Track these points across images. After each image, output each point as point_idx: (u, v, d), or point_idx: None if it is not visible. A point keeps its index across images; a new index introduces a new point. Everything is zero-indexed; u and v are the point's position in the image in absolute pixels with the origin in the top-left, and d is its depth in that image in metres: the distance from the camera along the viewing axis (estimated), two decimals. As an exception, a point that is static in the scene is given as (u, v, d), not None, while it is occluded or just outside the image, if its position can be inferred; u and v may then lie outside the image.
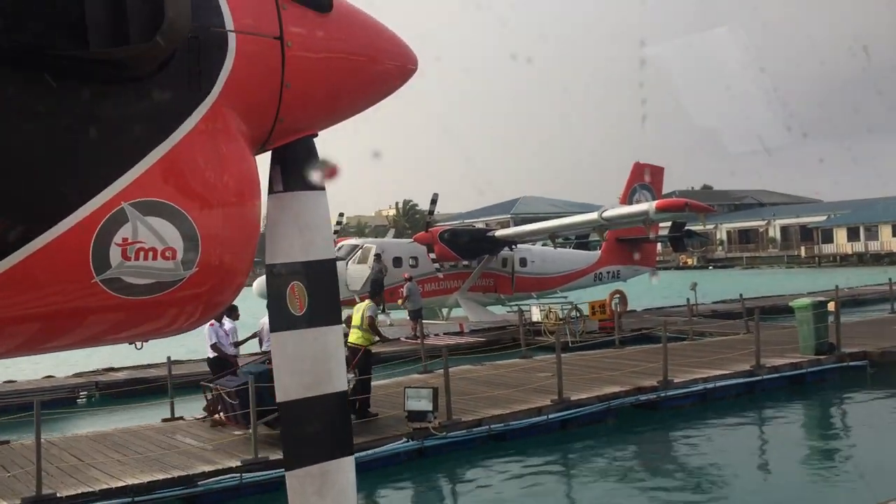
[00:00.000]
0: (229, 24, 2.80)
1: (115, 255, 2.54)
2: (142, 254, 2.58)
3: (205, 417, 16.07)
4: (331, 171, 3.37)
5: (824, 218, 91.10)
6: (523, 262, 32.70)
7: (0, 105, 2.35)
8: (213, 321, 15.85)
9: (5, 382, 22.52)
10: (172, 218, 2.64)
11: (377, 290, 28.90)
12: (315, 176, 3.28)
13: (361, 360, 15.01)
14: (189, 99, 2.71)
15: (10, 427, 16.13)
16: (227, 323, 16.39)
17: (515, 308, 30.88)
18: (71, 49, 2.38)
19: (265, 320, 15.62)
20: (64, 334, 2.73)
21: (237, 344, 16.39)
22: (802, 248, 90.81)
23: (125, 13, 2.43)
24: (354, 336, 15.17)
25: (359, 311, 15.52)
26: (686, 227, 35.14)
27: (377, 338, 15.79)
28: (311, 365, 3.19)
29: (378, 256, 29.29)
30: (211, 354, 16.36)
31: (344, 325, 17.44)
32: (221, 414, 15.23)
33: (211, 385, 15.31)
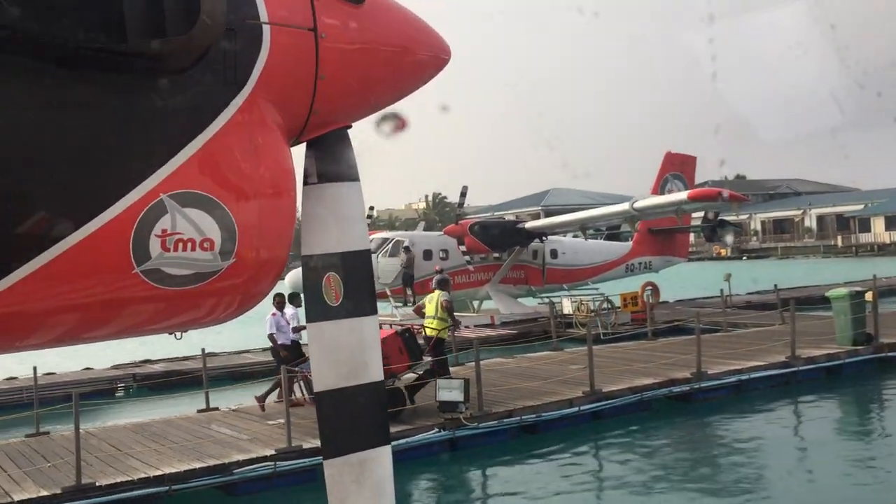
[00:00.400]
0: (264, 16, 2.82)
1: (154, 246, 2.57)
2: (181, 245, 2.61)
3: (261, 401, 16.45)
4: (401, 124, 3.35)
5: (861, 207, 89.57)
6: (554, 253, 32.58)
7: (39, 99, 2.39)
8: (273, 311, 16.60)
9: (45, 375, 22.89)
10: (210, 209, 2.66)
11: (408, 282, 28.97)
12: (385, 128, 3.29)
13: (437, 347, 15.58)
14: (225, 91, 2.74)
15: (50, 418, 16.46)
16: (289, 310, 16.91)
17: (546, 300, 30.80)
18: (109, 43, 2.41)
19: None
20: (104, 325, 2.77)
21: (297, 329, 16.72)
22: (839, 238, 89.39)
23: (162, 6, 2.45)
24: (430, 324, 15.72)
25: (431, 301, 16.00)
26: (719, 217, 34.77)
27: (451, 322, 16.14)
28: (347, 355, 3.21)
29: (407, 248, 29.34)
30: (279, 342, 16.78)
31: (415, 314, 17.97)
32: (305, 395, 16.14)
33: (297, 369, 15.85)
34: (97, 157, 2.48)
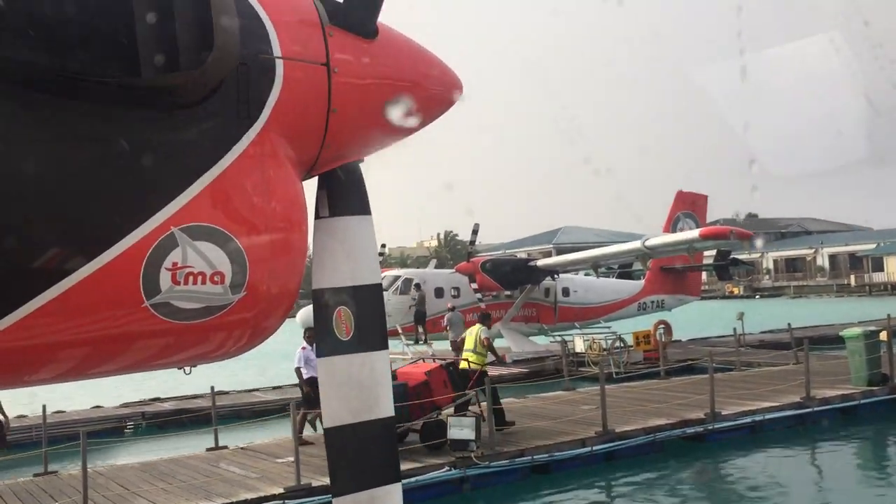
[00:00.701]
0: (277, 51, 2.83)
1: (164, 279, 2.56)
2: (191, 278, 2.60)
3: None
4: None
5: (874, 246, 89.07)
6: (566, 291, 32.47)
7: (53, 131, 2.40)
8: (304, 344, 16.69)
9: (54, 413, 22.82)
10: (221, 242, 2.65)
11: (419, 319, 28.90)
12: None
13: (479, 381, 15.83)
14: (238, 125, 2.74)
15: (59, 457, 16.37)
16: None
17: (558, 338, 30.62)
18: (122, 76, 2.42)
19: None
20: (114, 359, 2.75)
21: None
22: (852, 277, 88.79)
23: (176, 40, 2.47)
24: (470, 358, 16.20)
25: (472, 335, 16.52)
26: (732, 256, 34.62)
27: (493, 357, 16.69)
28: (358, 390, 3.18)
29: (418, 286, 29.30)
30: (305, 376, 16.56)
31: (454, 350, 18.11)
32: None
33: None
34: (109, 189, 2.48)
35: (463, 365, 16.05)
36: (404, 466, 13.35)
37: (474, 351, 16.19)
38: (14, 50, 2.26)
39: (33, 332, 2.45)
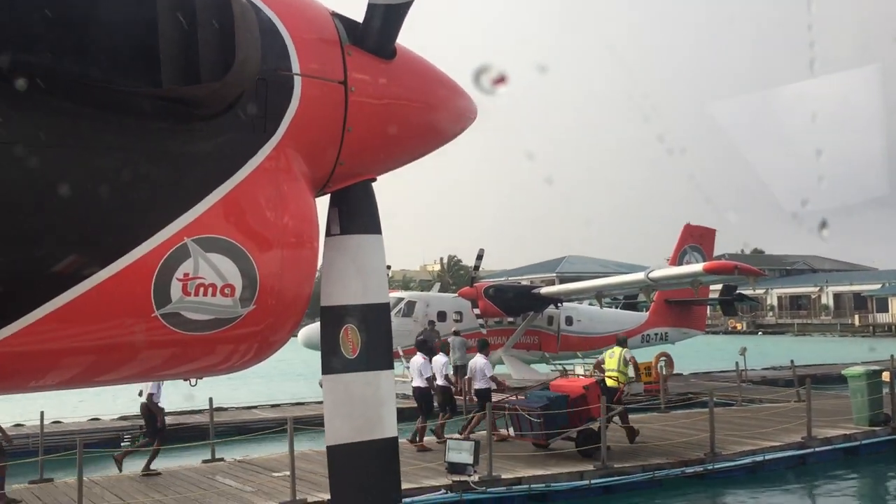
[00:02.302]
0: (296, 67, 2.86)
1: (175, 290, 2.57)
2: (202, 289, 2.61)
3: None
4: (500, 78, 3.29)
5: (879, 286, 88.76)
6: (569, 320, 32.35)
7: (71, 140, 2.42)
8: (423, 356, 18.16)
9: (53, 423, 22.73)
10: (233, 255, 2.66)
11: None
12: (484, 80, 3.26)
13: (618, 398, 17.66)
14: (254, 139, 2.77)
15: (55, 465, 16.28)
16: (440, 357, 18.81)
17: (560, 367, 30.47)
18: (143, 87, 2.45)
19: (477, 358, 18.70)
20: (121, 367, 2.75)
21: (429, 379, 18.06)
22: (856, 317, 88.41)
23: (197, 54, 2.49)
24: (611, 376, 18.04)
25: (613, 357, 18.32)
26: (738, 291, 34.51)
27: (633, 376, 18.82)
28: (362, 409, 3.17)
29: (432, 323, 29.16)
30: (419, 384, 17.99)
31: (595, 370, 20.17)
32: (510, 430, 17.18)
33: (507, 404, 17.42)
34: (125, 197, 2.50)
35: (610, 382, 17.85)
36: (408, 485, 13.27)
37: (617, 370, 17.96)
38: (38, 57, 2.29)
39: (42, 337, 2.46)
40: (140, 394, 15.81)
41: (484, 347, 19.20)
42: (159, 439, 15.95)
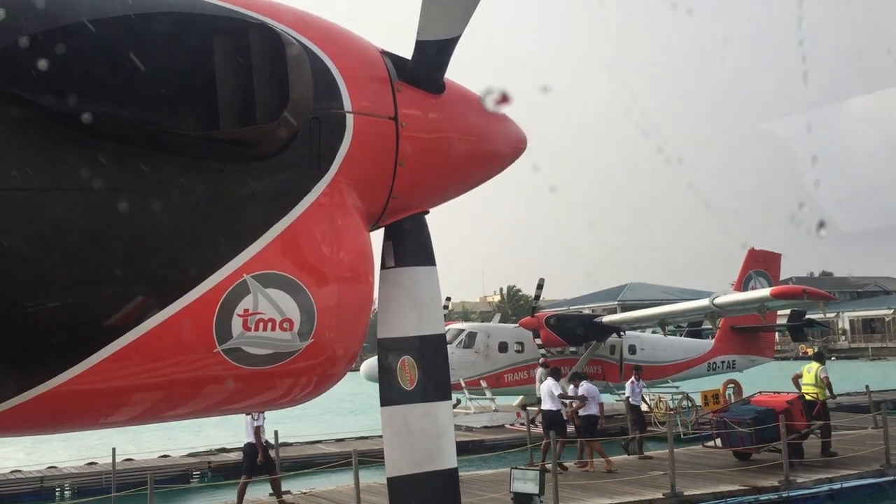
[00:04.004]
0: (347, 105, 2.93)
1: (236, 325, 2.63)
2: (261, 324, 2.66)
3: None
4: (503, 98, 3.34)
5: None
6: (632, 349, 31.87)
7: (134, 184, 2.51)
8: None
9: (124, 460, 23.27)
10: (291, 290, 2.72)
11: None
12: (488, 102, 3.33)
13: (821, 411, 18.78)
14: (309, 176, 2.83)
15: (127, 502, 16.61)
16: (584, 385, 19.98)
17: (624, 397, 29.95)
18: (201, 129, 2.53)
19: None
20: (185, 403, 2.81)
21: (563, 396, 19.41)
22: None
23: (253, 95, 2.58)
24: (808, 391, 19.04)
25: (810, 372, 19.29)
26: (806, 316, 33.58)
27: (829, 393, 19.46)
28: (421, 440, 3.18)
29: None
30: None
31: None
32: (716, 442, 18.64)
33: (716, 417, 19.18)
34: (187, 237, 2.58)
35: (808, 397, 18.81)
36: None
37: (815, 385, 18.95)
38: (99, 103, 2.39)
39: (110, 375, 2.53)
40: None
41: (555, 373, 20.30)
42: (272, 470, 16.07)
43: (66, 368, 2.45)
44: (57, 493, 20.93)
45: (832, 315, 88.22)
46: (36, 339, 2.42)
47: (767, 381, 37.54)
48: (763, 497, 16.27)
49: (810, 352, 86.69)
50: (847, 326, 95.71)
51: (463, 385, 28.48)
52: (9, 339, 2.38)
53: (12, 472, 22.49)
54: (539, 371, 27.75)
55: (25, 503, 18.22)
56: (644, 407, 28.58)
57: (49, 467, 22.73)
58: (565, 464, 18.84)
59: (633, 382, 22.19)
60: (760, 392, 20.42)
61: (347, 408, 32.71)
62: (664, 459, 17.45)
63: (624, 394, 30.29)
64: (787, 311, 32.67)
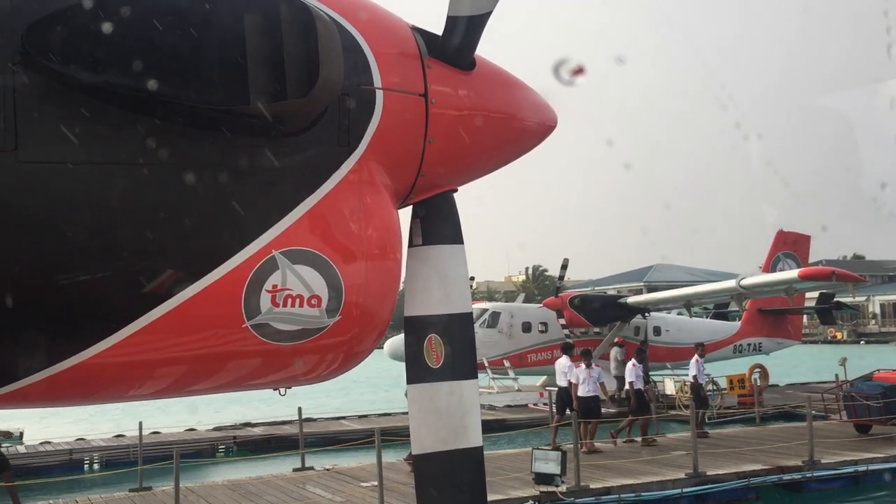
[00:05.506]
0: (377, 81, 2.91)
1: (265, 301, 2.64)
2: (290, 300, 2.67)
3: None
4: (578, 70, 3.31)
5: None
6: (657, 330, 31.70)
7: (165, 158, 2.51)
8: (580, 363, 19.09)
9: (151, 434, 23.65)
10: (319, 266, 2.72)
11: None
12: (563, 71, 3.29)
13: None
14: (338, 153, 2.82)
15: (153, 474, 16.90)
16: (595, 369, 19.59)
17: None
18: (232, 105, 2.53)
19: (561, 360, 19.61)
20: (213, 377, 2.83)
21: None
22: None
23: (283, 71, 2.57)
24: None
25: None
26: (835, 299, 33.18)
27: None
28: (447, 418, 3.18)
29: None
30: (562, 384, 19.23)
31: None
32: (842, 415, 20.27)
33: (843, 391, 20.45)
34: (216, 212, 2.59)
35: None
36: (495, 496, 13.22)
37: None
38: (133, 79, 2.39)
39: (140, 348, 2.56)
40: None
41: (568, 349, 20.17)
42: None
43: (97, 341, 2.48)
44: (86, 465, 21.34)
45: (862, 298, 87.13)
46: (68, 313, 2.45)
47: (794, 364, 37.32)
48: (787, 476, 16.21)
49: (839, 335, 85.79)
50: (878, 310, 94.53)
51: (486, 365, 28.52)
52: (42, 312, 2.41)
53: (42, 443, 22.94)
54: (613, 351, 27.75)
55: (55, 475, 18.54)
56: (670, 389, 28.58)
57: (78, 439, 23.17)
58: (618, 440, 19.50)
59: (697, 360, 22.00)
60: (878, 370, 21.21)
61: (372, 384, 32.96)
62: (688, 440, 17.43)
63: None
64: (816, 294, 32.30)
